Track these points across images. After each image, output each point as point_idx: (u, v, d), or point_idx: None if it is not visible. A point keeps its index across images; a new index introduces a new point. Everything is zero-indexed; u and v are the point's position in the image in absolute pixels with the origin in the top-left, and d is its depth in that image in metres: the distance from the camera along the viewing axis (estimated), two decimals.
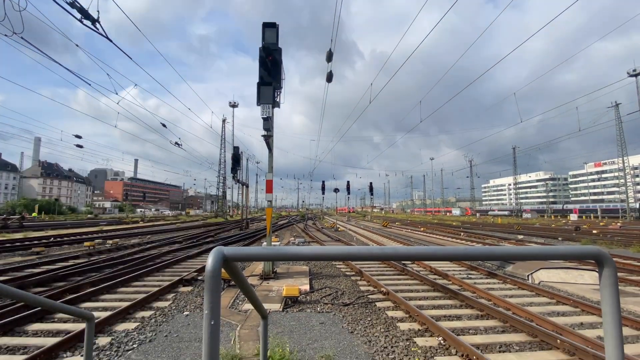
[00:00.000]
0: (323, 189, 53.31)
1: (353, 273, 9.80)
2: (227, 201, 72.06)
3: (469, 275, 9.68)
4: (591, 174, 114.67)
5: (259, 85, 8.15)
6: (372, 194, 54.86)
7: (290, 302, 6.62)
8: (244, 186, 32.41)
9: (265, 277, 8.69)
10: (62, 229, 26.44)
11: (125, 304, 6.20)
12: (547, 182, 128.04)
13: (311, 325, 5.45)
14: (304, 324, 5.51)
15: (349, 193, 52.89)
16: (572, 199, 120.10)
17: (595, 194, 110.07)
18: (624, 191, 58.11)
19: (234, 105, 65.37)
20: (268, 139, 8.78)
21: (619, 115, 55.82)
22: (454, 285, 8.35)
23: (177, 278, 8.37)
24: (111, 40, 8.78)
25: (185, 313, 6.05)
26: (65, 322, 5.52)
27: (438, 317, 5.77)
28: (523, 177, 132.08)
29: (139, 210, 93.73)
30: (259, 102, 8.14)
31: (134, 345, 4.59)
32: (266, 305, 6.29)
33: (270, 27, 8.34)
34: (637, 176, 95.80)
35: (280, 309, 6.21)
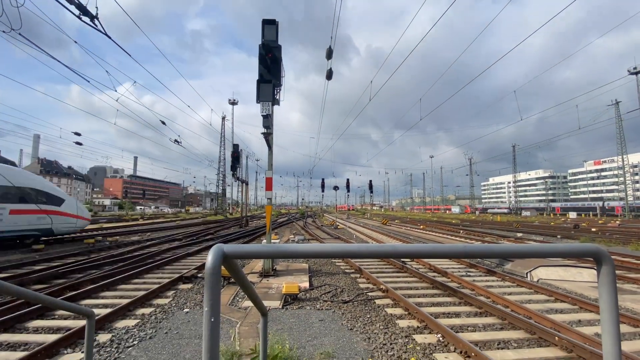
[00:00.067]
0: (323, 186, 53.35)
1: (352, 270, 9.82)
2: (227, 199, 72.04)
3: (468, 273, 9.71)
4: (590, 172, 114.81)
5: (259, 82, 8.12)
6: (371, 192, 54.93)
7: (290, 299, 6.65)
8: (244, 184, 32.40)
9: (265, 274, 8.71)
10: None
11: (125, 301, 6.22)
12: (546, 180, 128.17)
13: (311, 322, 5.48)
14: (303, 321, 5.53)
15: (348, 191, 52.93)
16: (572, 197, 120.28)
17: (594, 192, 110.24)
18: (623, 189, 58.18)
19: (233, 103, 65.14)
20: (268, 136, 8.76)
21: (619, 113, 55.78)
22: (453, 282, 8.38)
23: (177, 275, 8.39)
24: (110, 37, 8.73)
25: (185, 310, 6.07)
26: (65, 319, 5.54)
27: (437, 315, 5.79)
28: (523, 175, 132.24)
29: (138, 207, 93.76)
30: (258, 100, 8.11)
31: (135, 342, 4.61)
32: (266, 303, 6.32)
33: (269, 24, 8.30)
34: (637, 174, 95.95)
35: (280, 306, 6.23)
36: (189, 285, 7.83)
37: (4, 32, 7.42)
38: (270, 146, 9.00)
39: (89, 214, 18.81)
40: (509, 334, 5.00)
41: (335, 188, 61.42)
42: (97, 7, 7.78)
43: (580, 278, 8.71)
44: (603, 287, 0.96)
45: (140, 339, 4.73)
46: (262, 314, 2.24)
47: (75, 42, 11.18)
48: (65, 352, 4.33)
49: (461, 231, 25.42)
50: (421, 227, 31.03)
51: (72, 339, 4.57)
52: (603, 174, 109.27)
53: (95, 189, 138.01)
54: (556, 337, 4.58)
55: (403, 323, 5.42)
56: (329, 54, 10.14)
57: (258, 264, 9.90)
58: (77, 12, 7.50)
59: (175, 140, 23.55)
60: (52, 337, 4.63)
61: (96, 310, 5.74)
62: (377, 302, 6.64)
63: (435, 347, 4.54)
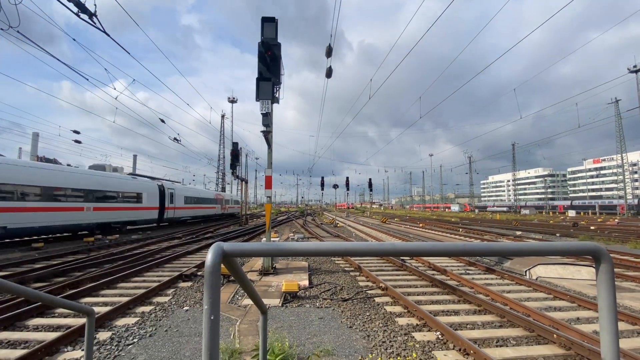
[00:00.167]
0: (322, 185, 53.33)
1: (352, 269, 9.84)
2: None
3: (467, 271, 9.73)
4: (590, 170, 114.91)
5: (258, 80, 8.10)
6: (371, 190, 54.94)
7: (290, 297, 6.66)
8: (243, 182, 32.39)
9: (264, 272, 8.73)
10: None
11: (125, 299, 6.23)
12: (545, 178, 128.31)
13: (310, 320, 5.49)
14: (303, 319, 5.55)
15: (348, 189, 52.93)
16: (571, 195, 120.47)
17: (593, 190, 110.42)
18: (622, 187, 58.29)
19: (233, 101, 65.07)
20: (267, 134, 8.75)
21: (618, 111, 55.78)
22: (452, 280, 8.40)
23: (177, 273, 8.40)
24: (109, 35, 8.69)
25: (185, 308, 6.08)
26: (65, 317, 5.55)
27: (436, 312, 5.81)
28: (522, 174, 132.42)
29: None
30: (258, 98, 8.09)
31: (135, 340, 4.62)
32: (265, 301, 6.33)
33: (269, 22, 8.27)
34: (636, 172, 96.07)
35: (280, 304, 6.25)
36: (189, 284, 7.84)
37: (1, 29, 7.38)
38: (269, 144, 8.99)
39: None
40: (508, 331, 5.02)
41: (335, 186, 61.41)
42: (95, 5, 7.75)
43: (579, 276, 8.74)
44: (601, 285, 0.97)
45: (140, 336, 4.75)
46: (262, 312, 2.25)
47: (74, 39, 11.13)
48: (66, 350, 4.34)
49: (460, 229, 25.46)
50: (420, 225, 31.07)
51: (72, 337, 4.58)
52: (602, 172, 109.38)
53: None
54: (555, 335, 4.60)
55: (402, 321, 5.44)
56: (329, 52, 10.11)
57: (258, 262, 9.92)
58: (75, 9, 7.47)
59: (175, 139, 23.50)
60: (52, 335, 4.64)
61: (96, 309, 5.75)
62: (377, 300, 6.66)
63: (435, 344, 4.56)
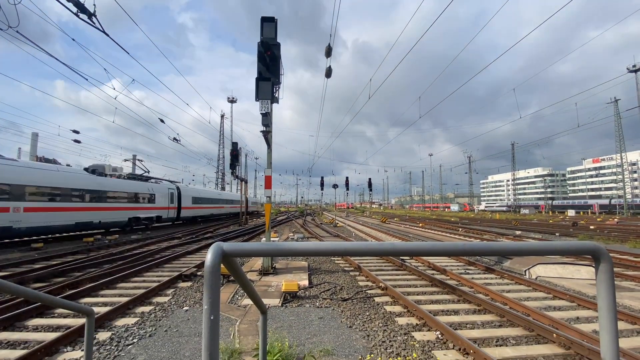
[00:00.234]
0: (322, 185, 53.35)
1: (352, 268, 9.85)
2: None
3: (467, 271, 9.74)
4: (589, 170, 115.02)
5: (258, 80, 8.10)
6: (370, 190, 54.96)
7: (289, 297, 6.66)
8: (243, 182, 32.38)
9: (264, 272, 8.73)
10: None
11: (125, 299, 6.23)
12: (545, 178, 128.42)
13: (310, 320, 5.49)
14: (302, 318, 5.55)
15: (347, 189, 52.96)
16: (570, 194, 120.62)
17: (593, 190, 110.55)
18: (622, 187, 58.36)
19: (232, 101, 65.03)
20: (267, 134, 8.75)
21: (618, 111, 55.82)
22: (452, 280, 8.41)
23: (177, 273, 8.40)
24: (108, 35, 8.68)
25: (185, 308, 6.08)
26: (65, 317, 5.55)
27: (436, 312, 5.82)
28: (521, 173, 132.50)
29: None
30: (257, 98, 8.09)
31: (134, 340, 4.62)
32: (265, 301, 6.33)
33: (268, 22, 8.26)
34: (635, 172, 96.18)
35: (279, 304, 6.25)
36: (189, 284, 7.84)
37: (1, 29, 7.37)
38: (269, 144, 8.98)
39: None
40: (508, 331, 5.03)
41: (335, 186, 61.43)
42: (94, 5, 7.74)
43: (579, 275, 8.75)
44: (601, 284, 0.97)
45: (140, 337, 4.74)
46: (262, 312, 2.25)
47: (73, 39, 11.12)
48: (65, 350, 4.33)
49: (460, 229, 25.48)
50: (420, 225, 31.09)
51: (71, 337, 4.58)
52: (602, 171, 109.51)
53: None
54: (554, 334, 4.60)
55: (402, 320, 5.44)
56: (328, 52, 10.11)
57: (257, 262, 9.92)
58: (74, 9, 7.46)
59: (174, 139, 23.48)
60: (51, 335, 4.64)
61: (96, 309, 5.75)
62: (376, 299, 6.66)
63: (434, 344, 4.56)
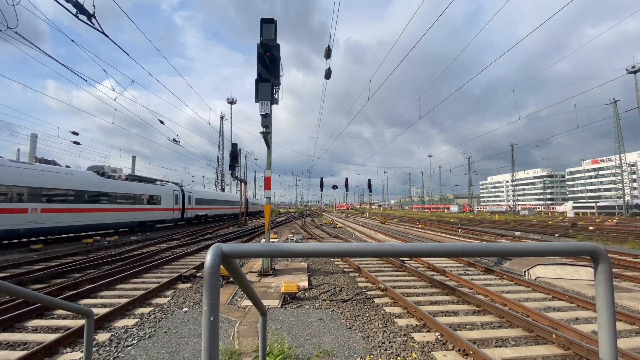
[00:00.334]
0: (322, 186, 53.32)
1: (351, 269, 9.84)
2: None
3: (467, 272, 9.74)
4: (588, 170, 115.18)
5: (257, 81, 8.10)
6: (370, 191, 54.97)
7: (289, 298, 6.65)
8: (242, 183, 32.36)
9: (263, 273, 8.72)
10: None
11: (124, 301, 6.22)
12: (544, 179, 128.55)
13: (310, 321, 5.49)
14: (302, 320, 5.54)
15: (347, 190, 52.94)
16: (570, 195, 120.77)
17: (592, 190, 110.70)
18: (621, 188, 58.45)
19: (232, 102, 65.02)
20: (266, 135, 8.75)
21: (617, 112, 55.94)
22: (451, 281, 8.41)
23: (176, 275, 8.38)
24: (107, 36, 8.69)
25: (184, 309, 6.07)
26: (64, 318, 5.53)
27: (435, 313, 5.82)
28: (520, 174, 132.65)
29: None
30: (257, 99, 8.10)
31: (134, 341, 4.61)
32: (265, 302, 6.32)
33: (268, 23, 8.28)
34: (634, 173, 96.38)
35: (279, 305, 6.24)
36: (188, 285, 7.83)
37: (0, 30, 7.37)
38: (269, 145, 8.99)
39: None
40: (507, 332, 5.03)
41: (334, 187, 61.41)
42: (94, 6, 7.74)
43: (578, 276, 8.75)
44: (600, 285, 0.97)
45: (139, 338, 4.73)
46: (261, 313, 2.25)
47: (72, 40, 11.11)
48: (65, 351, 4.32)
49: (459, 230, 25.48)
50: (420, 226, 31.09)
51: (71, 339, 4.57)
52: (601, 172, 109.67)
53: None
54: (553, 335, 4.61)
55: (402, 322, 5.44)
56: (328, 54, 10.12)
57: (257, 263, 9.91)
58: (74, 10, 7.46)
59: (174, 140, 23.46)
60: (51, 337, 4.63)
61: (95, 310, 5.74)
62: (376, 300, 6.66)
63: (434, 345, 4.56)
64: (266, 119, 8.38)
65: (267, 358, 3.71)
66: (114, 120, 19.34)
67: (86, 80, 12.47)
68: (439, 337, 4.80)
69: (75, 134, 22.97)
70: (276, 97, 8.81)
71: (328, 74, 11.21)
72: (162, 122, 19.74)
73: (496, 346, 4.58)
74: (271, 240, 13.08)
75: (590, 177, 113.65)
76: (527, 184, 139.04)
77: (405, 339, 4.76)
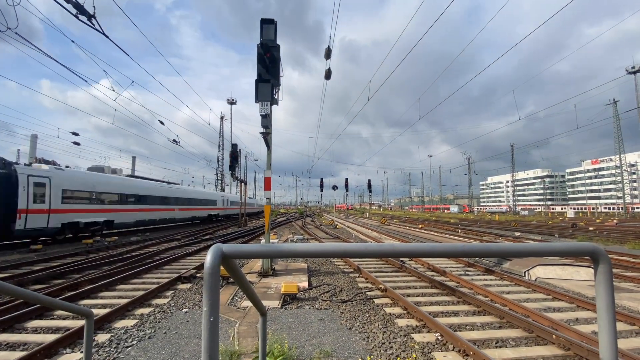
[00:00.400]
0: (321, 186, 53.28)
1: (351, 270, 9.84)
2: None
3: (467, 272, 9.74)
4: (588, 171, 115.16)
5: (257, 82, 8.11)
6: (370, 192, 54.94)
7: (289, 299, 6.65)
8: (242, 183, 32.36)
9: (263, 274, 8.71)
10: None
11: (124, 301, 6.21)
12: (544, 179, 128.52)
13: (310, 321, 5.48)
14: (302, 320, 5.54)
15: (347, 190, 52.90)
16: (570, 196, 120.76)
17: (592, 191, 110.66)
18: (621, 188, 58.44)
19: (232, 103, 65.02)
20: (266, 136, 8.75)
21: (617, 112, 55.95)
22: (451, 281, 8.40)
23: (176, 275, 8.38)
24: (108, 37, 8.69)
25: (184, 310, 6.06)
26: (64, 319, 5.53)
27: (435, 314, 5.81)
28: (520, 175, 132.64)
29: None
30: (257, 100, 8.10)
31: (134, 342, 4.61)
32: (265, 302, 6.32)
33: (268, 24, 8.29)
34: (634, 173, 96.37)
35: (279, 306, 6.24)
36: (188, 285, 7.82)
37: (0, 31, 7.37)
38: (269, 146, 8.99)
39: None
40: (507, 332, 5.02)
41: (334, 188, 61.37)
42: (94, 7, 7.75)
43: (578, 277, 8.75)
44: (600, 285, 0.97)
45: (139, 338, 4.73)
46: (261, 314, 2.24)
47: (72, 41, 11.13)
48: (65, 352, 4.32)
49: (459, 230, 25.48)
50: (420, 226, 31.08)
51: (71, 339, 4.57)
52: (601, 173, 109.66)
53: None
54: (554, 336, 4.60)
55: (402, 322, 5.44)
56: (328, 54, 10.13)
57: (257, 264, 9.90)
58: (74, 11, 7.47)
59: (174, 140, 23.45)
60: (51, 337, 4.63)
61: (95, 311, 5.73)
62: (376, 301, 6.65)
63: (434, 346, 4.56)
64: (266, 119, 8.39)
65: (267, 359, 3.71)
66: (114, 121, 19.33)
67: (86, 81, 12.49)
68: (439, 337, 4.79)
69: (76, 134, 22.98)
70: (276, 97, 8.82)
71: (328, 75, 11.21)
72: (162, 122, 19.74)
73: (496, 347, 4.57)
74: (271, 240, 13.08)
75: (590, 178, 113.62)
76: (527, 185, 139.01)
77: (406, 339, 4.76)
